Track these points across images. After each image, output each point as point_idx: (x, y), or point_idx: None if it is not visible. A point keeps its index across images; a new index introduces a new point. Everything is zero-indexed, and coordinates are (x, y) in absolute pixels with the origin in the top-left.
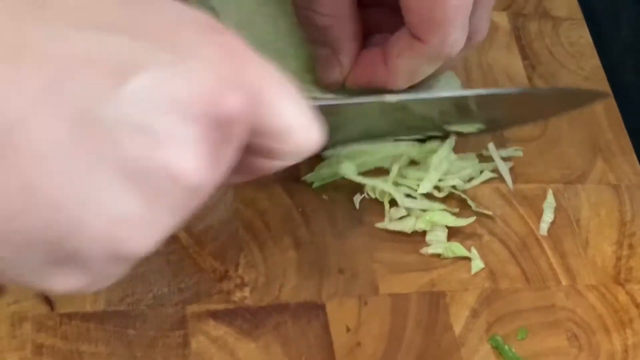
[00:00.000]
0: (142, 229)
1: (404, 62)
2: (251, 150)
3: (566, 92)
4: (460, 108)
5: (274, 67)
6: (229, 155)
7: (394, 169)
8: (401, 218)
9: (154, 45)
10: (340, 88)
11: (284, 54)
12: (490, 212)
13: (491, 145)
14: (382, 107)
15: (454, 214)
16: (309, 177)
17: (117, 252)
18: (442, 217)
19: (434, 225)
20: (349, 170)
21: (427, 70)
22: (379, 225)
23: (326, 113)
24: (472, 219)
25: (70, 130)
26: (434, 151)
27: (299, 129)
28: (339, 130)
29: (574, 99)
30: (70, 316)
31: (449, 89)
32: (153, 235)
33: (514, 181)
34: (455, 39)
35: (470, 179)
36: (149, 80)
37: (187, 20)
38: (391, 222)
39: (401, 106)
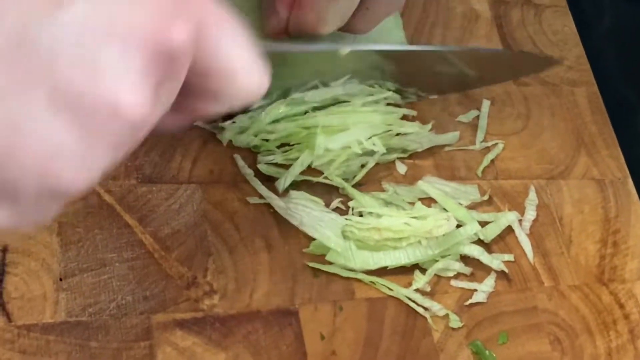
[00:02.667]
0: (77, 163)
1: (323, 4)
2: (191, 90)
3: (517, 55)
4: (408, 63)
5: (223, 6)
6: (170, 92)
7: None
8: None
9: None
10: (287, 38)
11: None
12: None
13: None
14: (333, 56)
15: None
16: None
17: (50, 186)
18: None
19: None
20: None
21: (346, 9)
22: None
23: (274, 60)
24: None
25: (5, 45)
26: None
27: (243, 71)
28: (287, 77)
29: (529, 63)
30: (29, 328)
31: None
32: (88, 170)
33: (495, 177)
34: None
35: None
36: (90, 7)
37: None
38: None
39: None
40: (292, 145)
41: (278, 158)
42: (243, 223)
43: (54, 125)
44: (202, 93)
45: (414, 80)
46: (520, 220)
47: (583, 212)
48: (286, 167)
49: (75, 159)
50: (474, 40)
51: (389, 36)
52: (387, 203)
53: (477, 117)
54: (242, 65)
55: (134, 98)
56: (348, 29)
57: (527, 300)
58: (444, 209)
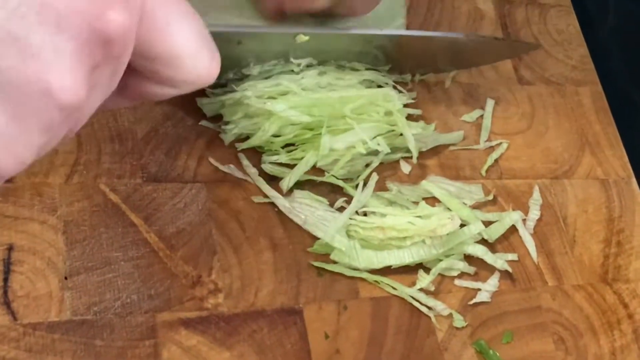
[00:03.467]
0: (8, 146)
1: None
2: (138, 72)
3: (496, 41)
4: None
5: None
6: (111, 75)
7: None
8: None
9: None
10: (284, 17)
11: None
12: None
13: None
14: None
15: None
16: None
17: None
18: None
19: None
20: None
21: None
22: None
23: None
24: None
25: None
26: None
27: (190, 57)
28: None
29: (506, 49)
30: (34, 326)
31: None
32: (20, 153)
33: (499, 177)
34: None
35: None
36: None
37: None
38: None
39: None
40: (297, 145)
41: (282, 158)
42: (248, 222)
43: None
44: (149, 76)
45: (405, 63)
46: (524, 220)
47: (587, 212)
48: (290, 166)
49: (6, 141)
50: None
51: (391, 21)
52: (391, 202)
53: (481, 116)
54: (189, 51)
55: (66, 81)
56: (347, 12)
57: (531, 299)
58: (448, 208)
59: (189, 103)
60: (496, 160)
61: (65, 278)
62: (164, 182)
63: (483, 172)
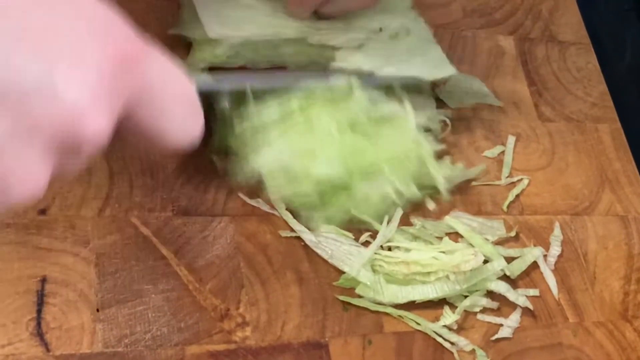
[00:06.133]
0: (36, 179)
1: None
2: (122, 137)
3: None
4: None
5: (169, 64)
6: (78, 162)
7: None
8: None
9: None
10: (312, 17)
11: None
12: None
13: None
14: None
15: None
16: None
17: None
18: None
19: None
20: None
21: None
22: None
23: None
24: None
25: None
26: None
27: (173, 131)
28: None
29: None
30: (66, 358)
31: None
32: (42, 184)
33: (521, 213)
34: None
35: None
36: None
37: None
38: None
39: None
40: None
41: (317, 205)
42: (275, 256)
43: None
44: (133, 142)
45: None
46: (545, 256)
47: (607, 249)
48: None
49: (33, 180)
50: (499, 75)
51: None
52: (415, 237)
53: (503, 152)
54: (172, 126)
55: (29, 173)
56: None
57: (553, 336)
58: (471, 244)
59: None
60: (517, 196)
61: (97, 310)
62: (193, 215)
63: (504, 208)
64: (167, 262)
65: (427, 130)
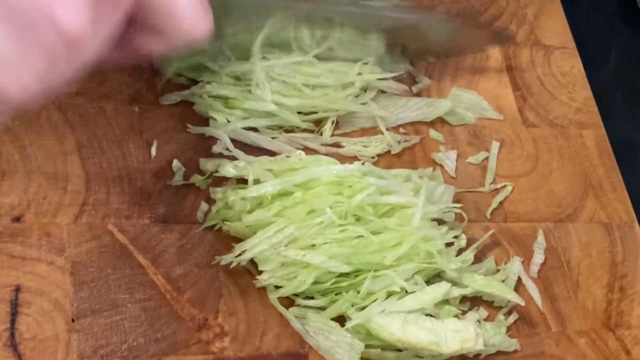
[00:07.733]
0: (14, 71)
1: None
2: (136, 25)
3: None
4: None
5: None
6: (113, 19)
7: None
8: None
9: None
10: None
11: None
12: None
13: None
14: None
15: None
16: None
17: None
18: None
19: None
20: None
21: None
22: None
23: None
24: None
25: None
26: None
27: (187, 12)
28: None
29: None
30: None
31: None
32: (24, 79)
33: (504, 220)
34: None
35: None
36: None
37: None
38: None
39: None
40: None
41: (319, 303)
42: (254, 265)
43: None
44: (146, 29)
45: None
46: (527, 263)
47: (590, 256)
48: None
49: (10, 66)
50: (484, 80)
51: None
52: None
53: (487, 158)
54: (186, 6)
55: (74, 15)
56: None
57: (535, 345)
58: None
59: (199, 142)
60: (501, 203)
61: (73, 320)
62: (171, 223)
63: (488, 215)
64: (144, 271)
65: (440, 222)
